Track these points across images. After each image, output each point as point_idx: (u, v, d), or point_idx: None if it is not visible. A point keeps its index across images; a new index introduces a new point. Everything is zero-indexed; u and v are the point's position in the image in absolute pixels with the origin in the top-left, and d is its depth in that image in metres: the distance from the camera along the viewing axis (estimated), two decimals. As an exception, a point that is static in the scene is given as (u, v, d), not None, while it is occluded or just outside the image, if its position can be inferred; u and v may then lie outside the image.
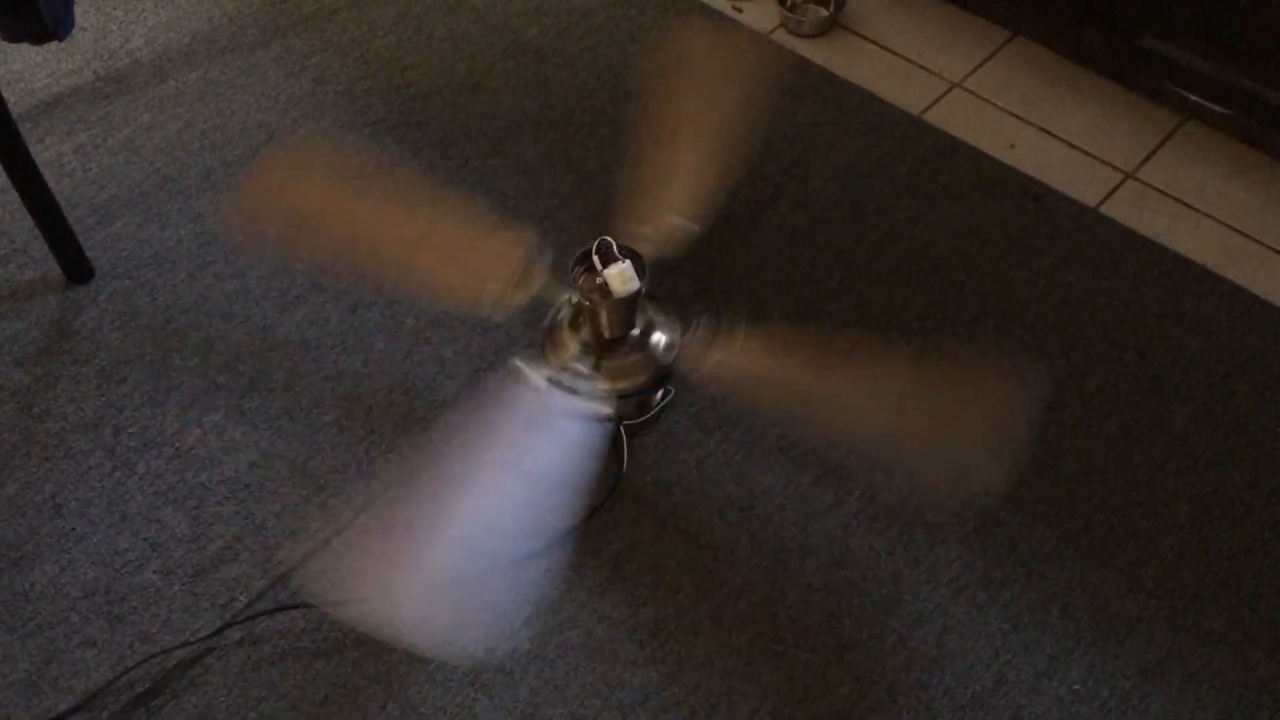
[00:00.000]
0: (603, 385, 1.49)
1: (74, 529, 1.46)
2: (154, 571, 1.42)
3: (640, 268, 1.40)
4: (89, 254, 1.70)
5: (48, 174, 1.62)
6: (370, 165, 1.83)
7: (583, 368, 1.48)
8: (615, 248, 1.40)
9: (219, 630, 1.37)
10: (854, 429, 1.44)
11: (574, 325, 1.51)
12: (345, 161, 1.83)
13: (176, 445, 1.53)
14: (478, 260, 1.47)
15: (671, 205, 1.50)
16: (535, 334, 1.58)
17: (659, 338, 1.51)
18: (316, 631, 1.38)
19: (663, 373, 1.50)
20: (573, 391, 1.44)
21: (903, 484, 1.50)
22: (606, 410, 1.48)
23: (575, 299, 1.48)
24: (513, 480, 1.39)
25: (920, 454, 1.44)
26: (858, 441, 1.46)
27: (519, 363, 1.49)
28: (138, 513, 1.47)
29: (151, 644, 1.37)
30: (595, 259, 1.40)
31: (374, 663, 1.35)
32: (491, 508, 1.37)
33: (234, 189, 1.81)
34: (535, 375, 1.46)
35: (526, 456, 1.41)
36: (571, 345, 1.50)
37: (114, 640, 1.37)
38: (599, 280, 1.40)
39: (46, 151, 1.85)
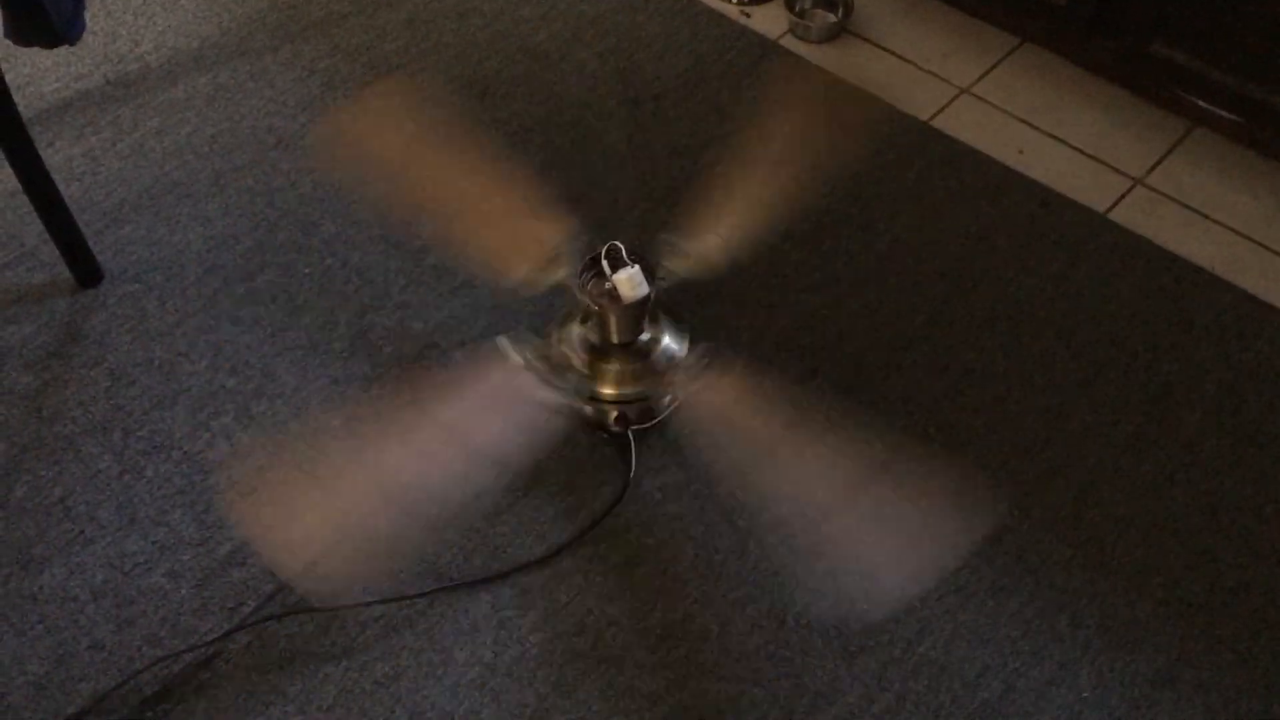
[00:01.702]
0: (608, 389, 1.49)
1: (82, 532, 1.46)
2: (162, 575, 1.42)
3: (649, 273, 1.40)
4: (98, 257, 1.71)
5: (57, 178, 1.62)
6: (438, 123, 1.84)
7: (577, 363, 1.47)
8: (624, 253, 1.40)
9: (227, 634, 1.37)
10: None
11: (583, 321, 1.52)
12: (418, 114, 1.84)
13: (185, 448, 1.53)
14: (514, 237, 1.48)
15: (704, 221, 1.51)
16: (544, 323, 1.58)
17: (667, 343, 1.51)
18: (324, 635, 1.38)
19: (664, 383, 1.50)
20: (549, 382, 1.44)
21: (911, 491, 1.50)
22: (588, 410, 1.48)
23: (583, 305, 1.48)
24: (454, 450, 1.40)
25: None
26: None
27: (503, 340, 1.49)
28: (146, 516, 1.47)
29: (159, 647, 1.37)
30: (605, 263, 1.40)
31: (382, 666, 1.35)
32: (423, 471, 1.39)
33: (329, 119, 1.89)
34: (514, 356, 1.46)
35: (474, 430, 1.41)
36: (575, 339, 1.50)
37: (122, 643, 1.37)
38: (608, 285, 1.40)
39: (56, 155, 1.86)
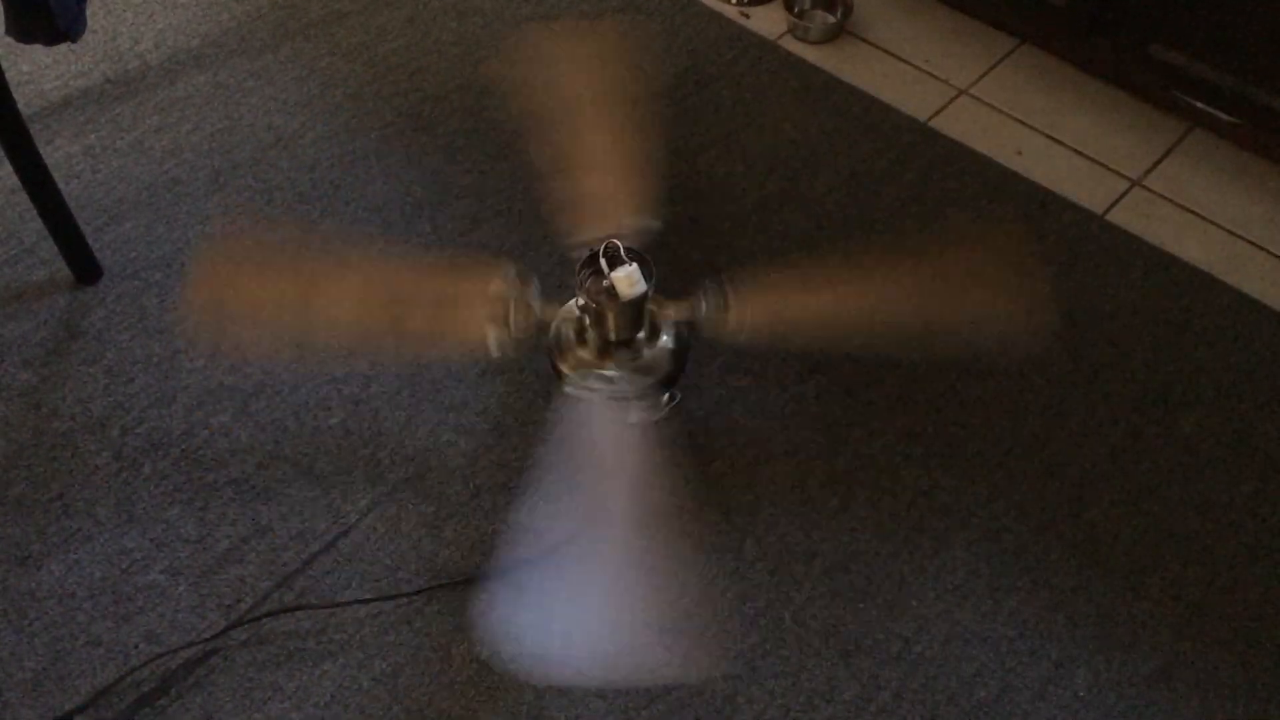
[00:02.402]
0: (605, 387, 1.49)
1: (81, 529, 1.46)
2: (160, 572, 1.43)
3: (647, 270, 1.40)
4: (97, 255, 1.71)
5: (57, 175, 1.62)
6: (327, 241, 1.78)
7: (608, 371, 1.47)
8: (622, 250, 1.40)
9: (225, 630, 1.37)
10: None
11: (580, 337, 1.51)
12: (296, 241, 1.76)
13: (183, 446, 1.53)
14: (465, 306, 1.43)
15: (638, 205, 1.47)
16: (541, 360, 1.58)
17: (666, 340, 1.51)
18: (322, 633, 1.38)
19: (669, 375, 1.50)
20: (620, 395, 1.44)
21: (908, 490, 1.51)
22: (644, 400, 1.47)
23: (580, 303, 1.47)
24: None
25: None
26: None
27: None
28: (144, 513, 1.47)
29: (157, 644, 1.37)
30: (602, 262, 1.40)
31: (379, 663, 1.35)
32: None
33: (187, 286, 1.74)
34: (586, 390, 1.44)
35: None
36: (583, 355, 1.50)
37: (120, 640, 1.37)
38: (606, 283, 1.40)
39: (56, 153, 1.86)
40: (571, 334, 1.52)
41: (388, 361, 1.59)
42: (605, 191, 1.59)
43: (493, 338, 1.37)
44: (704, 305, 1.44)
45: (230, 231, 1.68)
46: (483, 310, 1.38)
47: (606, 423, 1.43)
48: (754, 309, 1.44)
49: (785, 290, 1.50)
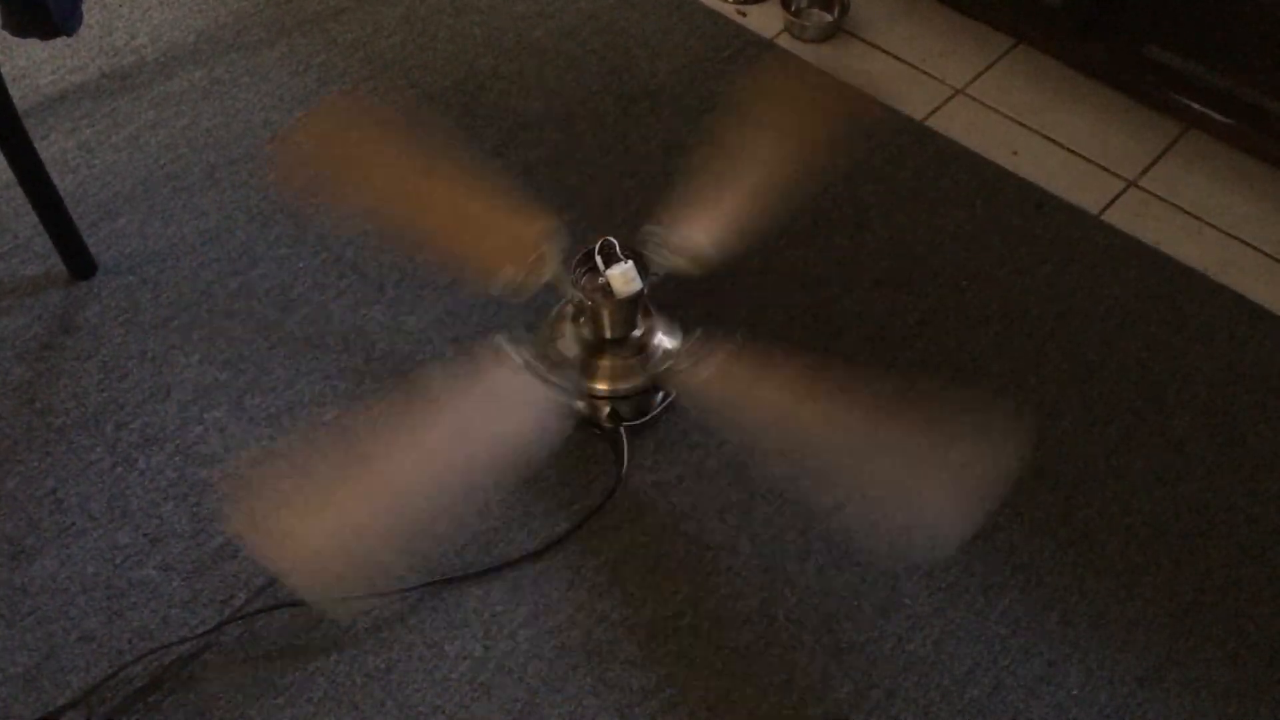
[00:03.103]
0: (601, 385, 1.49)
1: (74, 524, 1.46)
2: (154, 567, 1.42)
3: (643, 268, 1.41)
4: (92, 250, 1.71)
5: (52, 170, 1.62)
6: (404, 128, 1.81)
7: (571, 360, 1.48)
8: (618, 248, 1.40)
9: (218, 626, 1.37)
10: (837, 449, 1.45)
11: (576, 320, 1.52)
12: (386, 121, 1.83)
13: (178, 441, 1.53)
14: (497, 240, 1.47)
15: (698, 218, 1.50)
16: (537, 319, 1.59)
17: (660, 339, 1.51)
18: (315, 629, 1.38)
19: (662, 375, 1.50)
20: (548, 380, 1.44)
21: (903, 490, 1.51)
22: (581, 406, 1.48)
23: (577, 297, 1.48)
24: (460, 453, 1.40)
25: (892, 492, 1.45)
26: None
27: (500, 340, 1.49)
28: (138, 508, 1.47)
29: (150, 639, 1.37)
30: (598, 259, 1.40)
31: (372, 660, 1.35)
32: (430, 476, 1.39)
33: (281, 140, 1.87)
34: (514, 356, 1.45)
35: (473, 430, 1.41)
36: (570, 338, 1.50)
37: (113, 635, 1.37)
38: (601, 280, 1.40)
39: (51, 147, 1.86)
40: (569, 335, 1.52)
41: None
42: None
43: (506, 275, 1.40)
44: (687, 343, 1.46)
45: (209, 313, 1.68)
46: (512, 247, 1.41)
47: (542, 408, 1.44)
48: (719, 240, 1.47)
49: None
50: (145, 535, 1.45)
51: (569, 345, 1.50)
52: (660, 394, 1.53)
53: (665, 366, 1.48)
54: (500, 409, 1.46)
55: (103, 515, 1.47)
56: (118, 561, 1.43)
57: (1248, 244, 1.79)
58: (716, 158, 1.89)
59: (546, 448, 1.53)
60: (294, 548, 1.43)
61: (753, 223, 1.76)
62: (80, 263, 1.69)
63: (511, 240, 1.45)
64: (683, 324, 1.57)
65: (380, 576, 1.41)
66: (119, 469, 1.51)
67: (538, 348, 1.50)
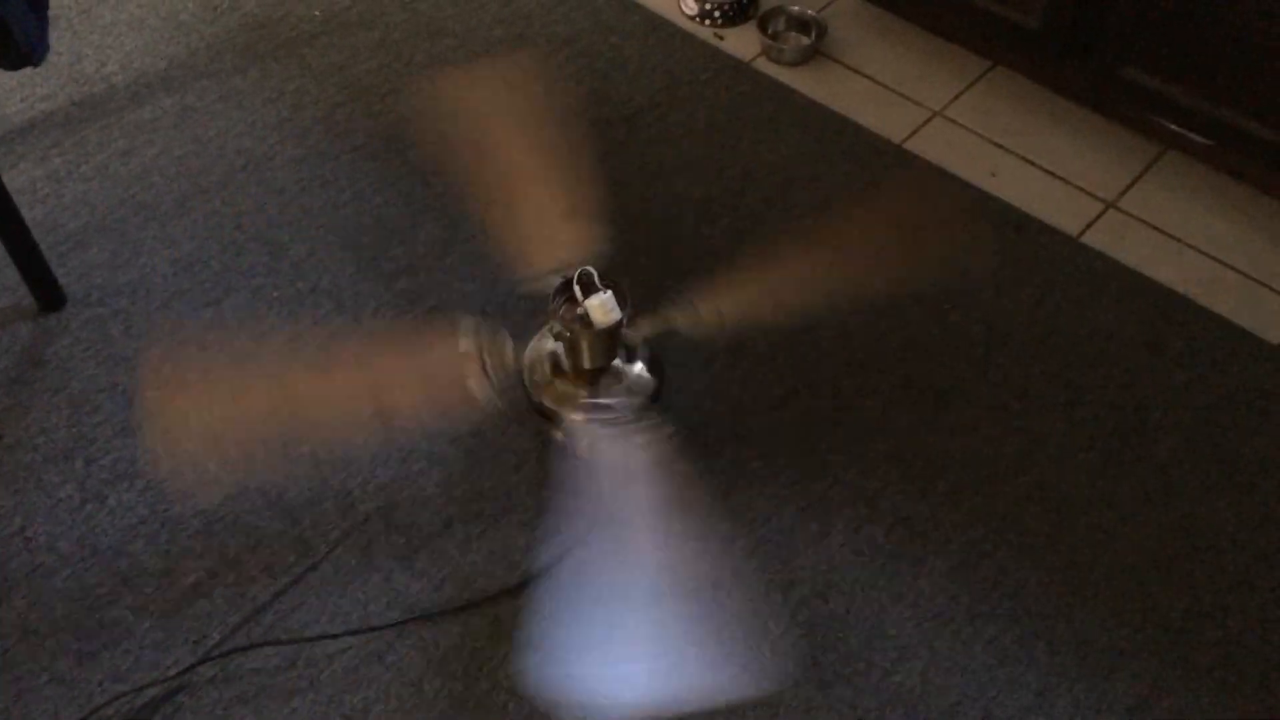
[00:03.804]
0: (578, 416, 1.48)
1: (43, 563, 1.43)
2: (125, 607, 1.39)
3: (621, 297, 1.39)
4: (61, 281, 1.68)
5: (20, 200, 1.60)
6: (275, 340, 1.71)
7: (540, 379, 1.46)
8: (596, 278, 1.39)
9: (191, 667, 1.34)
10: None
11: (555, 369, 1.50)
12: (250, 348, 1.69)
13: (149, 477, 1.50)
14: (441, 370, 1.45)
15: (703, 288, 1.49)
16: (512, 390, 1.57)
17: (640, 366, 1.50)
18: (291, 669, 1.35)
19: (644, 403, 1.49)
20: (485, 375, 1.42)
21: (887, 517, 1.49)
22: (559, 436, 1.47)
23: (555, 331, 1.46)
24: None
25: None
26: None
27: (466, 321, 1.46)
28: (109, 546, 1.44)
29: (123, 681, 1.34)
30: (576, 288, 1.38)
31: (350, 699, 1.33)
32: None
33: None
34: (466, 340, 1.43)
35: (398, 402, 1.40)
36: (562, 387, 1.48)
37: (84, 678, 1.34)
38: (580, 311, 1.39)
39: (19, 177, 1.83)
40: (547, 367, 1.50)
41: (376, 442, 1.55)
42: (572, 216, 1.59)
43: (477, 391, 1.38)
44: (677, 312, 1.44)
45: (181, 345, 1.64)
46: (458, 368, 1.40)
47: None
48: (724, 305, 1.45)
49: (753, 285, 1.51)
50: (116, 574, 1.42)
51: (544, 369, 1.48)
52: (640, 423, 1.51)
53: (641, 401, 1.47)
54: (432, 391, 1.43)
55: (72, 554, 1.44)
56: (88, 602, 1.40)
57: (1227, 265, 1.79)
58: (695, 183, 1.88)
59: (524, 481, 1.51)
60: (268, 585, 1.41)
61: (731, 246, 1.75)
62: (49, 295, 1.66)
63: (451, 364, 1.43)
64: (662, 350, 1.55)
65: (357, 612, 1.39)
66: (89, 506, 1.48)
67: (499, 348, 1.46)
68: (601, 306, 1.36)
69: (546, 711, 1.32)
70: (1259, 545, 1.48)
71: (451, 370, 1.41)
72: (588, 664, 1.36)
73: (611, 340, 1.44)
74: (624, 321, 1.39)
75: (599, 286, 1.38)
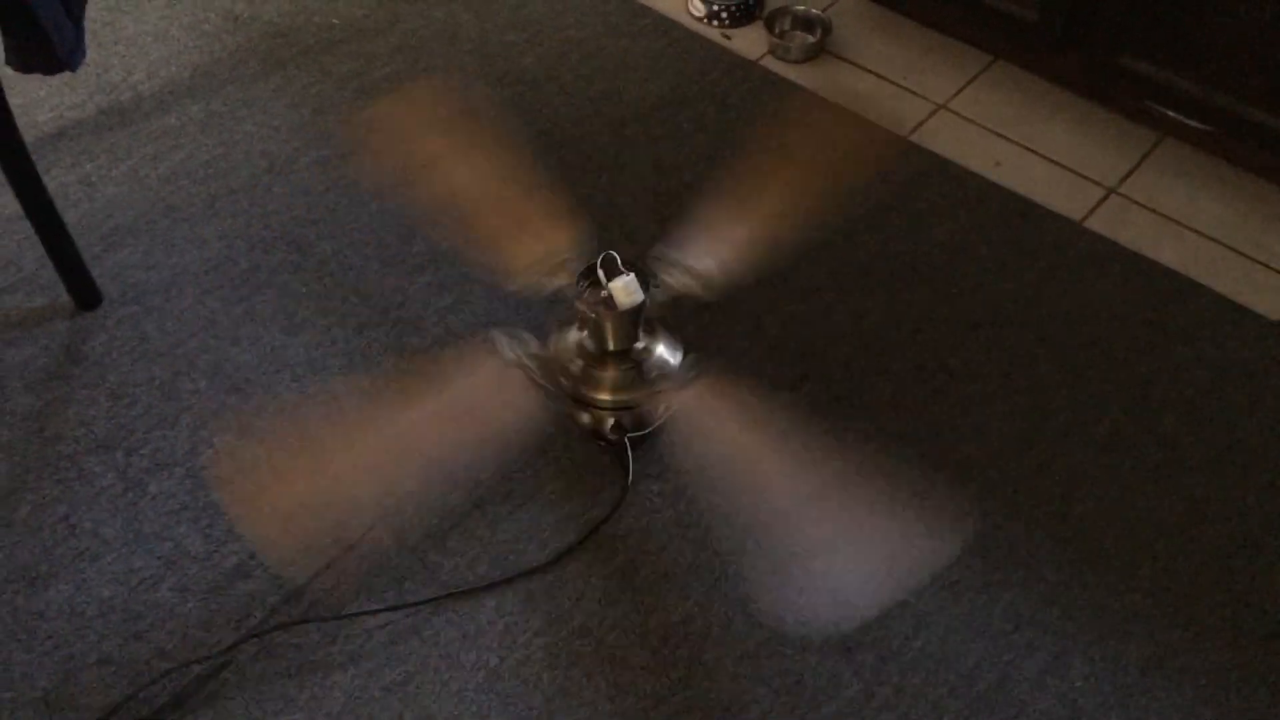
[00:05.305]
0: (604, 396, 1.52)
1: (88, 549, 1.47)
2: (169, 589, 1.44)
3: (644, 281, 1.44)
4: (97, 281, 1.73)
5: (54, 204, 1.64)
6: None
7: (573, 369, 1.51)
8: (619, 261, 1.44)
9: (235, 644, 1.39)
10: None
11: (580, 328, 1.55)
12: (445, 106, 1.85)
13: (188, 465, 1.55)
14: (524, 237, 1.50)
15: (694, 234, 1.54)
16: (547, 324, 1.63)
17: (662, 351, 1.55)
18: (332, 644, 1.39)
19: (667, 384, 1.53)
20: (537, 382, 1.47)
21: (901, 491, 1.54)
22: (585, 418, 1.51)
23: (579, 313, 1.51)
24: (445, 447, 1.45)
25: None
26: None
27: (496, 334, 1.51)
28: (151, 532, 1.49)
29: (168, 660, 1.38)
30: (600, 272, 1.43)
31: (389, 673, 1.37)
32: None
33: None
34: (506, 352, 1.48)
35: (461, 424, 1.45)
36: (573, 346, 1.53)
37: (130, 657, 1.38)
38: (604, 293, 1.44)
39: (52, 183, 1.88)
40: (571, 350, 1.55)
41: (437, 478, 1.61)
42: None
43: (532, 401, 1.43)
44: (672, 277, 1.49)
45: (214, 340, 1.69)
46: (508, 386, 1.45)
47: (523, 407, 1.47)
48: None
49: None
50: (159, 558, 1.47)
51: (571, 356, 1.53)
52: (663, 405, 1.56)
53: (663, 385, 1.52)
54: (477, 400, 1.48)
55: (116, 540, 1.48)
56: (133, 584, 1.44)
57: (1227, 246, 1.84)
58: (708, 177, 1.93)
59: (553, 460, 1.56)
60: (308, 564, 1.45)
61: (747, 236, 1.80)
62: (86, 294, 1.71)
63: (529, 249, 1.48)
64: (683, 335, 1.60)
65: (394, 590, 1.43)
66: (131, 494, 1.53)
67: (535, 350, 1.52)
68: (625, 288, 1.41)
69: (578, 678, 1.37)
70: (1263, 510, 1.53)
71: (502, 388, 1.46)
72: (618, 634, 1.40)
73: (634, 322, 1.48)
74: (646, 303, 1.44)
75: (622, 269, 1.43)
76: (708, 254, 1.55)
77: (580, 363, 1.53)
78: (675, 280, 1.52)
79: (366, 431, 1.57)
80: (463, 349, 1.64)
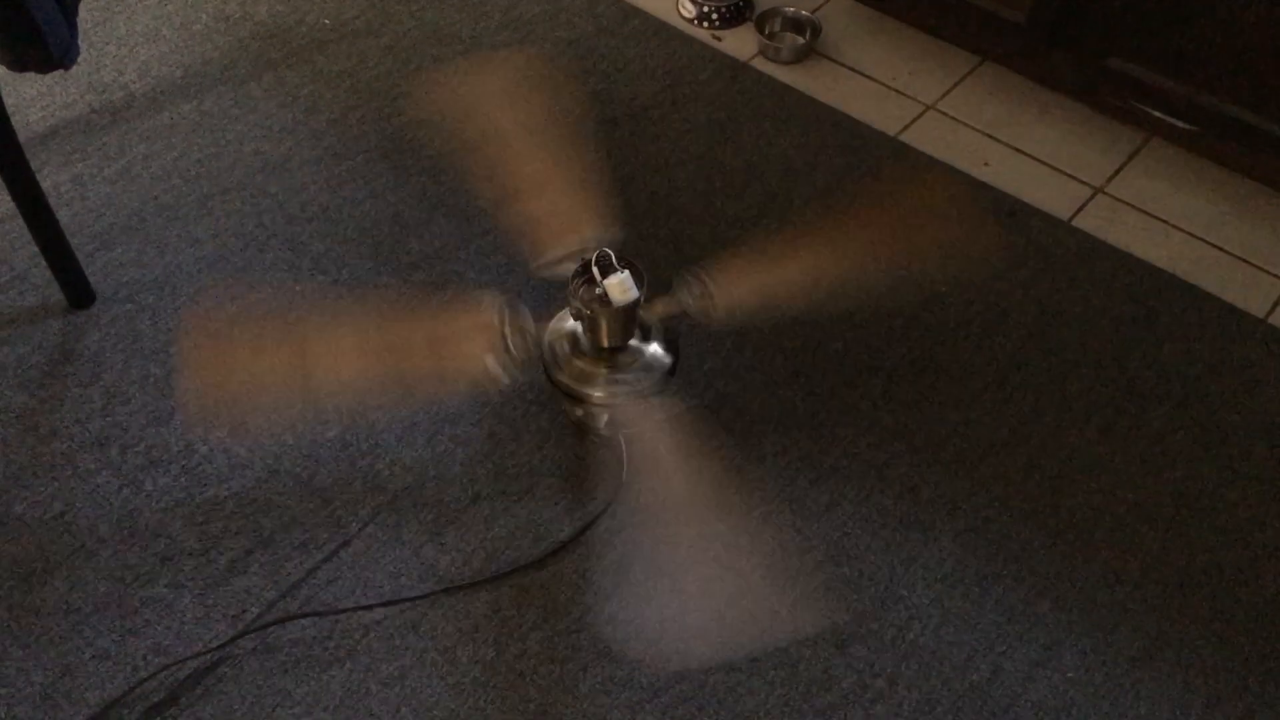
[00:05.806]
0: (599, 392, 1.53)
1: (84, 545, 1.48)
2: (165, 585, 1.44)
3: (639, 277, 1.45)
4: (90, 279, 1.73)
5: (47, 202, 1.65)
6: (308, 303, 1.78)
7: (560, 358, 1.50)
8: (614, 258, 1.44)
9: (232, 640, 1.39)
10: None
11: (575, 349, 1.55)
12: (282, 304, 1.78)
13: (183, 462, 1.55)
14: (462, 343, 1.48)
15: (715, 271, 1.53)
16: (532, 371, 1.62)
17: (656, 345, 1.55)
18: (329, 639, 1.40)
19: (661, 381, 1.54)
20: (505, 350, 1.44)
21: (895, 486, 1.55)
22: (579, 413, 1.51)
23: (574, 311, 1.51)
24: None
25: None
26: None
27: (492, 295, 1.49)
28: (147, 528, 1.49)
29: (165, 655, 1.38)
30: (595, 269, 1.44)
31: (386, 667, 1.38)
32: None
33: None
34: (490, 314, 1.46)
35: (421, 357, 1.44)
36: (581, 365, 1.53)
37: (127, 652, 1.39)
38: (598, 290, 1.44)
39: (44, 181, 1.87)
40: (567, 347, 1.56)
41: (396, 404, 1.61)
42: (583, 207, 1.64)
43: (496, 366, 1.42)
44: (688, 295, 1.49)
45: (218, 304, 1.70)
46: (479, 342, 1.43)
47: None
48: (735, 289, 1.50)
49: (761, 270, 1.56)
50: (155, 554, 1.47)
51: (564, 351, 1.54)
52: (657, 403, 1.56)
53: (656, 383, 1.52)
54: (445, 350, 1.46)
55: (111, 536, 1.48)
56: (129, 581, 1.45)
57: (1212, 244, 1.87)
58: (699, 177, 1.94)
59: (548, 456, 1.57)
60: (303, 561, 1.46)
61: (733, 239, 1.81)
62: (79, 292, 1.72)
63: (473, 336, 1.46)
64: (674, 336, 1.61)
65: (390, 585, 1.44)
66: (126, 491, 1.53)
67: (521, 324, 1.50)
68: (620, 285, 1.42)
69: (574, 671, 1.37)
70: (1250, 504, 1.55)
71: (473, 342, 1.44)
72: (613, 628, 1.41)
73: (629, 319, 1.49)
74: (641, 300, 1.44)
75: (617, 267, 1.44)
76: (703, 262, 1.55)
77: (572, 356, 1.53)
78: (688, 300, 1.52)
79: (362, 442, 1.57)
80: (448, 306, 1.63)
